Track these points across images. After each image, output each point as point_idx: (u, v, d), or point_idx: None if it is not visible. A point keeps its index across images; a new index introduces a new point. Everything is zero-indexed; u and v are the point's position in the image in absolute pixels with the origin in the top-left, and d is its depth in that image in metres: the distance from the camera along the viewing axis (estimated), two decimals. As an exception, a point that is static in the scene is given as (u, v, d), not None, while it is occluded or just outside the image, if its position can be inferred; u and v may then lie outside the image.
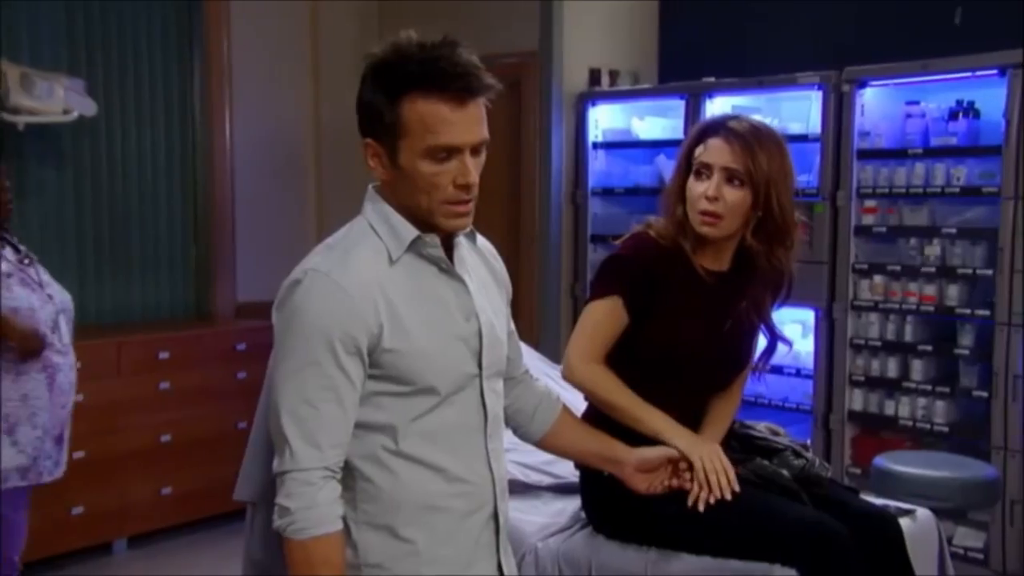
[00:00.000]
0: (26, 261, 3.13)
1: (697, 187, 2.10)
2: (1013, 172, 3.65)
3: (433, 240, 1.66)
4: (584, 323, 2.14)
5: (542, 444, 2.03)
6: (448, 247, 1.70)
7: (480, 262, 1.81)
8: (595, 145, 4.98)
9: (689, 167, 2.14)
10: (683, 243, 2.13)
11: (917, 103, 4.01)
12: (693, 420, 2.17)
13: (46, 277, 3.17)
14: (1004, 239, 3.69)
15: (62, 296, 3.19)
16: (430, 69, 1.55)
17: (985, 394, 3.78)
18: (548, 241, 4.95)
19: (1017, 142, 3.64)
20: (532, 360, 2.37)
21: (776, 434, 2.25)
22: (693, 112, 4.52)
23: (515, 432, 2.00)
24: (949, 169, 3.87)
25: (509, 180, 5.15)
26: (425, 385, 1.63)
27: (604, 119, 5.00)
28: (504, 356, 1.80)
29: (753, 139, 2.08)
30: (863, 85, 4.06)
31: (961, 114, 3.88)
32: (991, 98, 3.78)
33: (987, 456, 3.71)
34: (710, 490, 2.00)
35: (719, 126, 2.12)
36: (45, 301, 3.09)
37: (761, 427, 2.27)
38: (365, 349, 1.58)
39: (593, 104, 4.96)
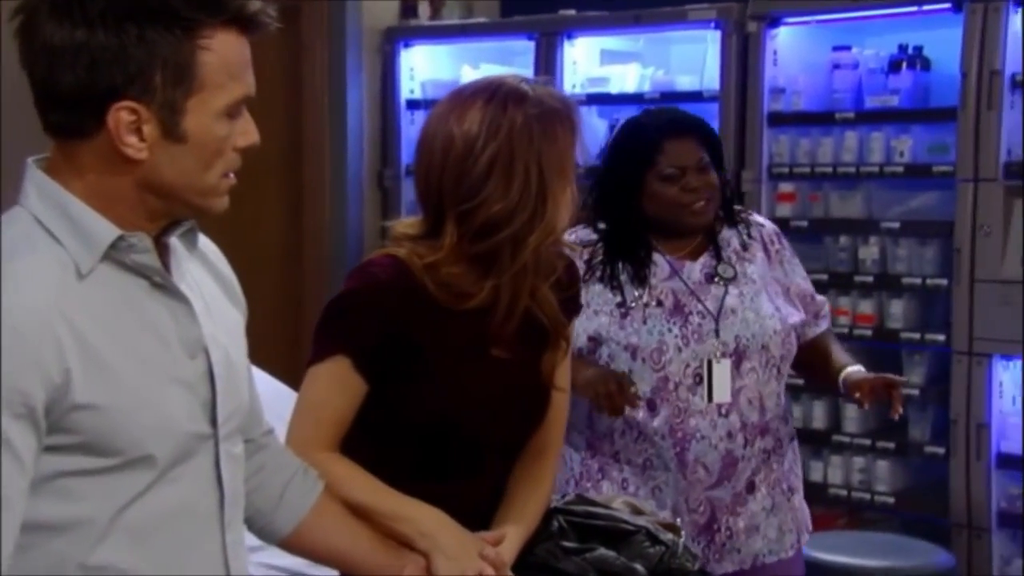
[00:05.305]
0: None
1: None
2: (971, 145, 3.76)
3: (143, 242, 1.60)
4: (304, 398, 2.11)
5: (291, 542, 1.97)
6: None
7: (205, 272, 1.77)
8: (411, 104, 5.05)
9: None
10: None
11: (848, 48, 4.15)
12: (482, 508, 2.14)
13: None
14: (962, 236, 3.79)
15: None
16: None
17: (942, 450, 3.88)
18: (344, 239, 4.96)
19: (976, 103, 3.75)
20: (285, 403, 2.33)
21: (639, 513, 2.26)
22: (546, 58, 4.61)
23: (250, 525, 1.90)
24: (889, 140, 4.00)
25: (285, 153, 5.13)
26: (138, 454, 1.57)
27: (423, 66, 5.08)
28: (246, 404, 1.77)
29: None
30: (776, 23, 4.18)
31: (905, 64, 4.01)
32: (944, 42, 3.91)
33: (946, 537, 3.80)
34: None
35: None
36: None
37: (618, 503, 2.28)
38: (42, 409, 1.51)
39: (407, 45, 5.03)
